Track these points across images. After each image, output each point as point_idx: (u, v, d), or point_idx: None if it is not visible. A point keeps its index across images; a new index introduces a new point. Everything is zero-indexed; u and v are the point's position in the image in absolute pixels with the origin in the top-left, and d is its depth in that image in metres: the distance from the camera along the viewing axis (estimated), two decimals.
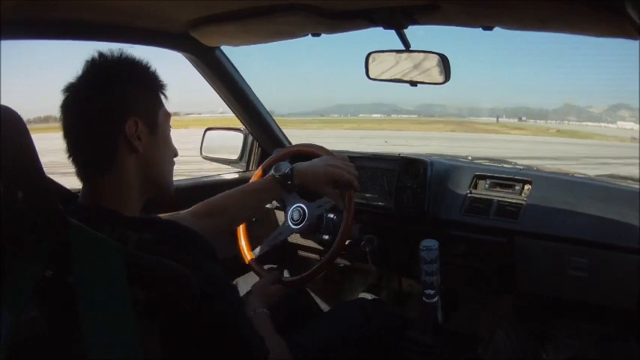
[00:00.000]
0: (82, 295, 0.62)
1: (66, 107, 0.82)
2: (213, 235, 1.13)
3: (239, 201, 1.24)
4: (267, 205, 1.91)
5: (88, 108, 0.81)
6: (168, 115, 0.90)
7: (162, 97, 0.88)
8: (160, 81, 0.88)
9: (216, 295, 0.78)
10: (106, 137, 0.81)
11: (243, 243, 1.52)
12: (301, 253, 1.94)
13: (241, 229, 1.52)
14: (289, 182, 1.24)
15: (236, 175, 1.93)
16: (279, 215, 1.97)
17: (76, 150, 0.82)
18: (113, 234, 0.72)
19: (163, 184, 0.90)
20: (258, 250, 1.49)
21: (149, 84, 0.87)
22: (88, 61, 0.83)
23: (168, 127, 0.90)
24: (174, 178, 0.96)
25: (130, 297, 0.64)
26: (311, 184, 1.27)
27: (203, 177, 1.92)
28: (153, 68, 0.87)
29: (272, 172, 1.25)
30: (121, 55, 0.84)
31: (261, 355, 0.85)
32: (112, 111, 0.81)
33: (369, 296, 1.96)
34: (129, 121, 0.81)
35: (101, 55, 0.83)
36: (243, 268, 1.71)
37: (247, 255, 1.50)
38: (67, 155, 0.83)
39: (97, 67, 0.83)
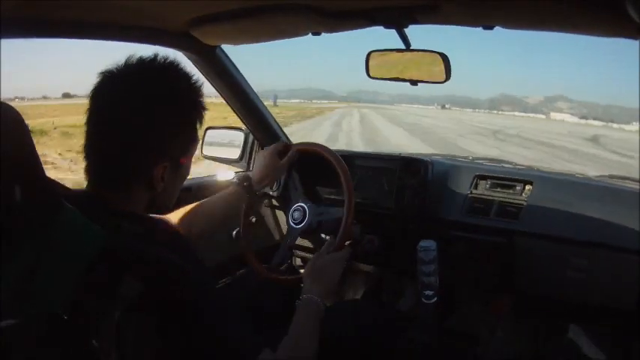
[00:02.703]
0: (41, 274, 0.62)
1: (100, 118, 0.78)
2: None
3: (212, 209, 1.26)
4: (266, 204, 1.91)
5: (126, 133, 0.77)
6: (197, 142, 0.88)
7: (199, 127, 0.86)
8: (203, 108, 0.85)
9: (202, 300, 0.77)
10: (129, 172, 0.79)
11: (244, 244, 1.51)
12: (300, 253, 1.94)
13: (242, 232, 1.51)
14: (246, 183, 1.31)
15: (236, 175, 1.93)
16: (279, 214, 1.97)
17: (94, 163, 0.80)
18: (108, 222, 0.72)
19: (166, 204, 0.90)
20: (274, 262, 1.48)
21: (194, 118, 0.84)
22: (146, 79, 0.79)
23: (192, 155, 0.88)
24: None
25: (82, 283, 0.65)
26: (265, 170, 1.34)
27: (203, 177, 1.91)
28: (202, 92, 0.85)
29: (234, 181, 1.33)
30: (184, 79, 0.82)
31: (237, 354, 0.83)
32: (146, 153, 0.79)
33: (368, 297, 1.96)
34: (159, 166, 0.79)
35: (164, 76, 0.80)
36: (236, 268, 1.71)
37: (248, 256, 1.48)
38: (83, 153, 0.81)
39: (154, 90, 0.79)
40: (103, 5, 1.07)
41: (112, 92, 0.78)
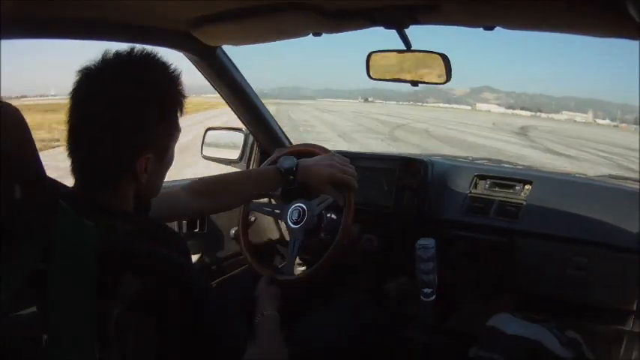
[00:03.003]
0: (51, 278, 0.63)
1: (81, 113, 0.78)
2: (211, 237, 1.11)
3: (239, 187, 1.25)
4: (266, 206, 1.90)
5: (104, 129, 0.77)
6: (179, 131, 0.88)
7: (180, 116, 0.86)
8: (183, 97, 0.85)
9: (203, 299, 0.78)
10: (113, 167, 0.79)
11: (243, 244, 1.51)
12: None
13: (241, 232, 1.51)
14: (292, 177, 1.26)
15: None
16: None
17: (78, 160, 0.80)
18: (100, 222, 0.72)
19: (152, 195, 0.91)
20: (283, 267, 1.46)
21: (174, 107, 0.84)
22: (126, 72, 0.79)
23: (175, 144, 0.88)
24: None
25: (93, 284, 0.65)
26: (313, 182, 1.29)
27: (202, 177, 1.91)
28: (181, 80, 0.85)
29: (278, 164, 1.27)
30: (166, 69, 0.82)
31: (235, 352, 0.84)
32: (129, 146, 0.79)
33: (367, 296, 1.96)
34: (142, 158, 0.79)
35: (147, 69, 0.80)
36: (234, 267, 1.71)
37: (248, 256, 1.49)
38: (67, 152, 0.80)
39: (135, 82, 0.79)
40: (103, 5, 1.07)
41: (90, 88, 0.78)
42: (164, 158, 0.85)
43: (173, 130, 0.85)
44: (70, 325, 0.63)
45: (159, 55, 0.83)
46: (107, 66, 0.79)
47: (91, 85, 0.78)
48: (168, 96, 0.83)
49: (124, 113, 0.77)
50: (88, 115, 0.78)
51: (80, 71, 0.79)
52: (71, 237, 0.66)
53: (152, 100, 0.80)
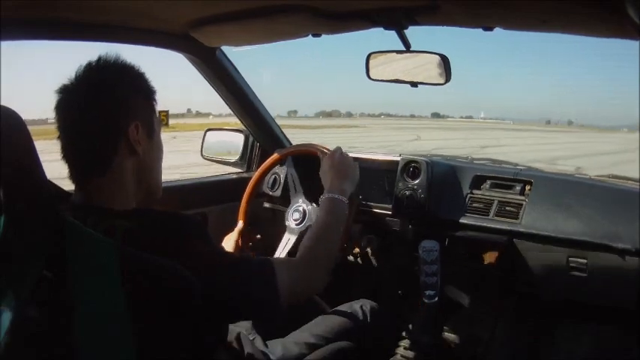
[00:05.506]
0: (76, 294, 0.63)
1: (63, 109, 0.82)
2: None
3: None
4: (266, 205, 1.90)
5: (89, 111, 0.81)
6: (159, 120, 0.92)
7: (154, 103, 0.90)
8: (152, 87, 0.89)
9: (217, 274, 0.80)
10: (108, 140, 0.82)
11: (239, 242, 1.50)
12: None
13: (238, 228, 1.51)
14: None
15: (236, 176, 1.93)
16: (278, 214, 1.97)
17: (73, 151, 0.83)
18: (98, 226, 0.73)
19: (154, 187, 0.92)
20: None
21: (145, 90, 0.88)
22: (85, 65, 0.83)
23: (160, 132, 0.92)
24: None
25: (123, 296, 0.65)
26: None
27: (202, 177, 1.91)
28: (146, 75, 0.89)
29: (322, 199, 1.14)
30: (118, 60, 0.85)
31: (275, 312, 0.86)
32: (116, 116, 0.82)
33: (368, 297, 1.96)
34: (131, 125, 0.83)
35: (99, 59, 0.84)
36: None
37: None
38: (60, 155, 0.83)
39: (96, 72, 0.83)
40: (103, 7, 1.07)
41: (70, 89, 0.82)
42: (152, 136, 0.88)
43: (152, 106, 0.89)
44: (105, 340, 0.64)
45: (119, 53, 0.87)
46: (81, 78, 0.83)
47: (70, 96, 0.82)
48: (135, 76, 0.87)
49: (98, 97, 0.82)
50: (73, 116, 0.82)
51: (60, 90, 0.83)
52: (86, 252, 0.66)
53: (121, 78, 0.85)
